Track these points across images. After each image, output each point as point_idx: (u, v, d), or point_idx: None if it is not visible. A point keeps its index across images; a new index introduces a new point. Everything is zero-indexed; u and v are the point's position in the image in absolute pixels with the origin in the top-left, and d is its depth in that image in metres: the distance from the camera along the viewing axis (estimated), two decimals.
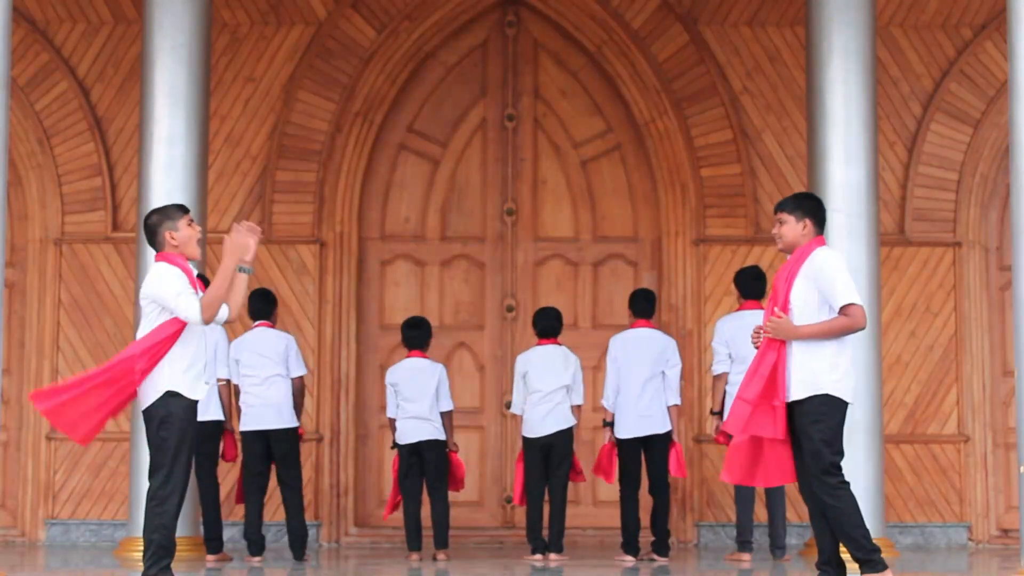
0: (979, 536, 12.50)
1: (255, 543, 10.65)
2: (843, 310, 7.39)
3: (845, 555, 7.47)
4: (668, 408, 10.69)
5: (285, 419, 10.66)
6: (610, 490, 12.57)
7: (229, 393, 10.68)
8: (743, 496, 10.72)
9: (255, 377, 10.63)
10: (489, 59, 13.17)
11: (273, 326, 10.92)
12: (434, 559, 10.63)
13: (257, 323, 10.86)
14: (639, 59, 12.83)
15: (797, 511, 12.24)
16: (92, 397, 7.27)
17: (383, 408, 12.64)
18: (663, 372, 10.73)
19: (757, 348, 7.52)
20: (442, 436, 10.79)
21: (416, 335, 10.99)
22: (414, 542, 10.73)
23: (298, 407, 10.77)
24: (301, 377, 10.82)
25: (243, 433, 10.67)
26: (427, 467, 10.77)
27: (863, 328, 7.48)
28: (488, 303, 12.98)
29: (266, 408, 10.62)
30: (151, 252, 10.30)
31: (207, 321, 7.27)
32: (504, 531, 12.68)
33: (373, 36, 12.86)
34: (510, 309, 12.93)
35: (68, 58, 12.81)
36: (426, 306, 12.83)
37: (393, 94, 12.92)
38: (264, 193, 12.70)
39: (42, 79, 12.78)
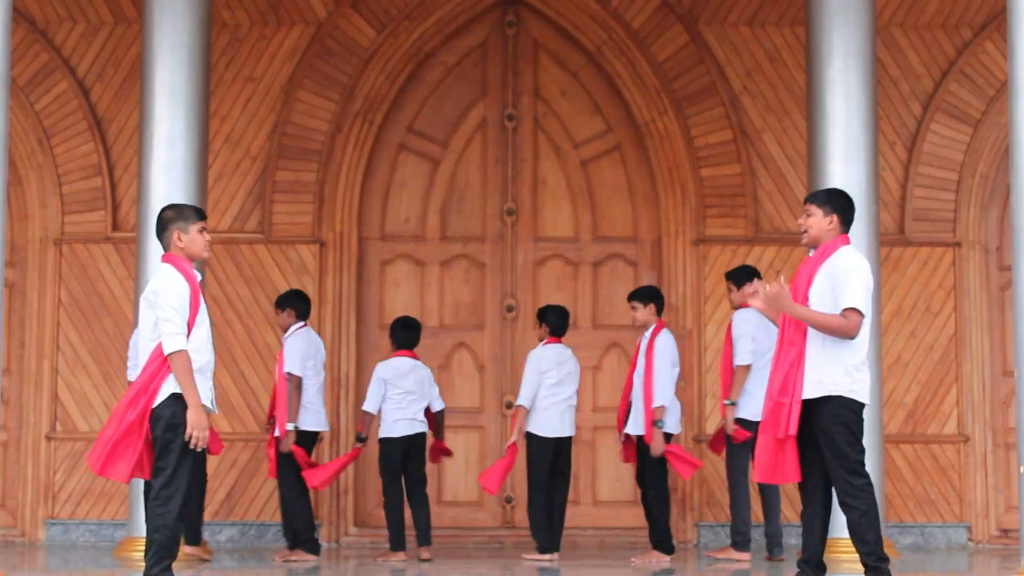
0: (979, 536, 12.49)
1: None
2: (844, 312, 7.32)
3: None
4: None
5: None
6: (610, 490, 12.58)
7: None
8: (744, 495, 10.69)
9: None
10: (489, 59, 13.16)
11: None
12: (419, 559, 10.60)
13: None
14: (639, 59, 12.82)
15: (796, 510, 12.24)
16: (130, 436, 7.28)
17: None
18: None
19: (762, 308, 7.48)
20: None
21: (415, 336, 11.02)
22: (400, 542, 10.71)
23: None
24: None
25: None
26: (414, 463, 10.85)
27: (852, 337, 7.33)
28: (488, 303, 12.97)
29: None
30: (152, 252, 10.49)
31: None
32: (504, 531, 12.67)
33: (373, 36, 12.85)
34: (510, 309, 12.92)
35: (68, 58, 12.80)
36: (426, 306, 12.83)
37: (393, 94, 12.91)
38: (264, 193, 12.70)
39: (42, 79, 12.77)
